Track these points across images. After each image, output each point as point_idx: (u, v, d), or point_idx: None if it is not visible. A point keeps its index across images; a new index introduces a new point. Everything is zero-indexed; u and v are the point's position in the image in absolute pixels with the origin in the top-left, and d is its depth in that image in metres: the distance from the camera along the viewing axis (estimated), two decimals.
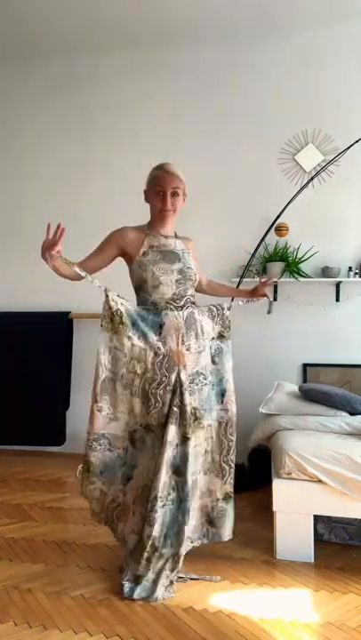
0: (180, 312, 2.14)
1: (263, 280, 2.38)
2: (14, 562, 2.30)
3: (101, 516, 2.16)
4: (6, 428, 4.10)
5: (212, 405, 2.19)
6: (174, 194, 2.18)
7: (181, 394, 2.08)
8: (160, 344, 2.09)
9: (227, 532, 2.21)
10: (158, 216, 2.22)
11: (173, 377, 2.09)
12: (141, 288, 2.18)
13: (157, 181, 2.18)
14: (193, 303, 2.20)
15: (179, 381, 2.09)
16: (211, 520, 2.20)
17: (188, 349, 2.12)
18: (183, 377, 2.10)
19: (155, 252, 2.17)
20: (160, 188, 2.17)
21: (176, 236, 2.28)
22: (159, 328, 2.11)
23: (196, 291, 2.31)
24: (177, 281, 2.16)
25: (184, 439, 2.08)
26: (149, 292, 2.15)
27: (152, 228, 2.25)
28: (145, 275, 2.14)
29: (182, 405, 2.08)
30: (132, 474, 2.12)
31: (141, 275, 2.15)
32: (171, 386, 2.09)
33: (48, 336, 4.09)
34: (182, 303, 2.16)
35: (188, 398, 2.09)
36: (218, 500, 2.19)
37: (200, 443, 2.15)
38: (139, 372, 2.09)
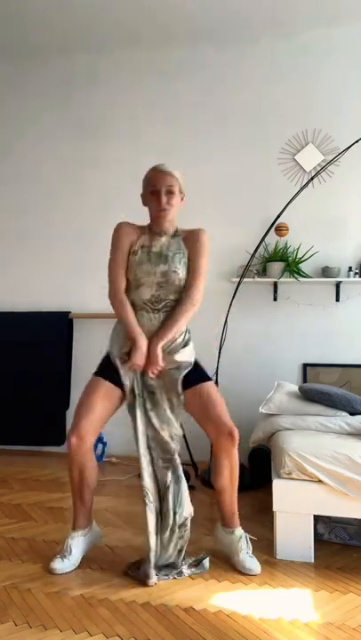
0: (157, 314, 2.16)
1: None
2: (14, 562, 2.30)
3: None
4: (6, 427, 4.10)
5: None
6: (169, 192, 2.17)
7: None
8: None
9: None
10: (155, 217, 2.22)
11: None
12: (128, 286, 2.21)
13: (151, 181, 2.18)
14: (173, 308, 2.18)
15: None
16: None
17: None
18: None
19: (144, 252, 2.19)
20: (154, 187, 2.17)
21: (176, 235, 2.26)
22: None
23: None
24: (158, 283, 2.16)
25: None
26: (131, 291, 2.19)
27: (149, 229, 2.26)
28: (130, 275, 2.18)
29: None
30: None
31: (129, 274, 2.19)
32: None
33: (48, 336, 4.09)
34: (160, 306, 2.16)
35: None
36: None
37: None
38: None
